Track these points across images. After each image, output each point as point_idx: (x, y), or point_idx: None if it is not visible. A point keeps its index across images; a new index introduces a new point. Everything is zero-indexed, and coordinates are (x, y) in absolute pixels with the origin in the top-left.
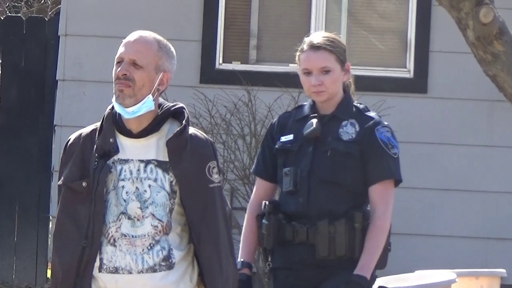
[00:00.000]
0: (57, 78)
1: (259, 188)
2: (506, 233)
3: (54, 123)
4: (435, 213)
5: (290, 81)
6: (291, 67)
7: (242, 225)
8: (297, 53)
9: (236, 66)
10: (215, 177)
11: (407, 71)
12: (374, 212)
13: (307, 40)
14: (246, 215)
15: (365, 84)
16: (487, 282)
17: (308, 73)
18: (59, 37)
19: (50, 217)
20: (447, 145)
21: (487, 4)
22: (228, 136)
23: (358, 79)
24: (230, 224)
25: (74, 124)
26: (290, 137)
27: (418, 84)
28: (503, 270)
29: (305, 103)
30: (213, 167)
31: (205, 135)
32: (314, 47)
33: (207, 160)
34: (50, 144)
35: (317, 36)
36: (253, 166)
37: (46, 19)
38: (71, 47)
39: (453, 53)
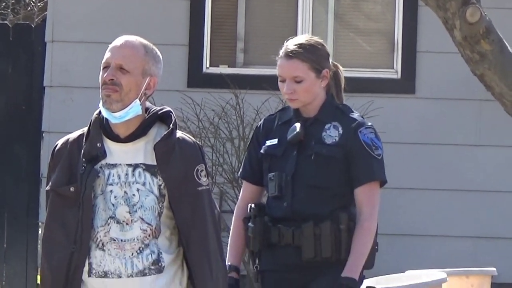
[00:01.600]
0: (44, 85)
1: (246, 192)
2: (496, 232)
3: (42, 130)
4: (425, 213)
5: (277, 84)
6: None
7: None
8: (277, 57)
9: (224, 69)
10: (204, 180)
11: (395, 72)
12: (361, 214)
13: (285, 45)
14: (233, 218)
15: (353, 85)
16: (477, 281)
17: (282, 80)
18: (45, 43)
19: (40, 223)
20: (435, 145)
21: (473, 3)
22: (216, 140)
23: (346, 80)
24: (219, 227)
25: (62, 130)
26: (274, 141)
27: (405, 84)
28: (494, 269)
29: (289, 105)
30: (201, 170)
31: (192, 138)
32: (287, 56)
33: (195, 163)
34: (38, 151)
35: (294, 42)
36: (240, 170)
37: (33, 26)
38: (58, 54)
39: (440, 53)
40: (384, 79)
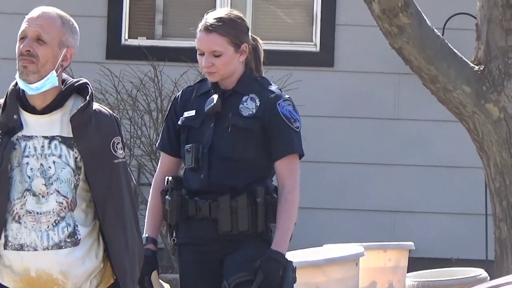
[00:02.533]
0: None
1: (164, 163)
2: (414, 206)
3: None
4: (342, 187)
5: (196, 56)
6: None
7: None
8: (197, 30)
9: (142, 41)
10: (120, 152)
11: (314, 45)
12: (284, 187)
13: (204, 18)
14: (151, 191)
15: (272, 58)
16: (395, 255)
17: (201, 53)
18: None
19: None
20: (354, 119)
21: None
22: (134, 112)
23: (265, 53)
24: (135, 200)
25: None
26: (192, 113)
27: (324, 57)
28: (411, 243)
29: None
30: (118, 143)
31: (109, 110)
32: (206, 29)
33: (111, 135)
34: None
35: (214, 16)
36: (158, 141)
37: None
38: None
39: (359, 26)
40: (303, 52)
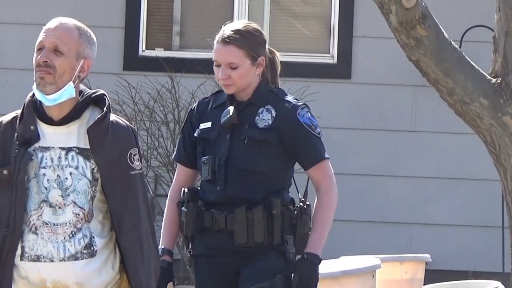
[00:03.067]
0: None
1: (180, 175)
2: (430, 218)
3: None
4: (359, 198)
5: (213, 67)
6: None
7: None
8: (214, 42)
9: (159, 52)
10: (137, 164)
11: (331, 57)
12: (319, 190)
13: (222, 30)
14: (167, 202)
15: (289, 69)
16: (411, 267)
17: (217, 65)
18: None
19: None
20: (371, 131)
21: None
22: (151, 123)
23: (282, 65)
24: (151, 211)
25: None
26: (208, 124)
27: (341, 69)
28: (427, 255)
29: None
30: (135, 154)
31: (126, 122)
32: (224, 41)
33: (128, 147)
34: None
35: (231, 28)
36: (174, 153)
37: None
38: None
39: (377, 38)
40: (320, 63)
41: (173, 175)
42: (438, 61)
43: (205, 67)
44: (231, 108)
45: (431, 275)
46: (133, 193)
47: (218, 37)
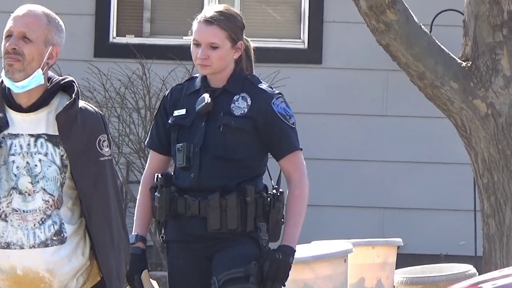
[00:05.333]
0: None
1: (153, 161)
2: (402, 202)
3: None
4: (331, 183)
5: (184, 53)
6: (185, 40)
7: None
8: (193, 22)
9: (130, 39)
10: (106, 150)
11: (302, 42)
12: (290, 182)
13: (205, 10)
14: (139, 188)
15: (259, 55)
16: (383, 252)
17: (197, 44)
18: None
19: None
20: (342, 115)
21: None
22: (122, 110)
23: (253, 50)
24: (121, 197)
25: None
26: (182, 111)
27: (312, 54)
28: (399, 239)
29: (196, 75)
30: (104, 141)
31: (95, 108)
32: (207, 21)
33: (97, 133)
34: None
35: (214, 9)
36: (147, 139)
37: None
38: None
39: (347, 23)
40: (291, 49)
41: (145, 162)
42: (408, 45)
43: (176, 53)
44: (206, 96)
45: (403, 259)
46: (102, 180)
47: (200, 17)
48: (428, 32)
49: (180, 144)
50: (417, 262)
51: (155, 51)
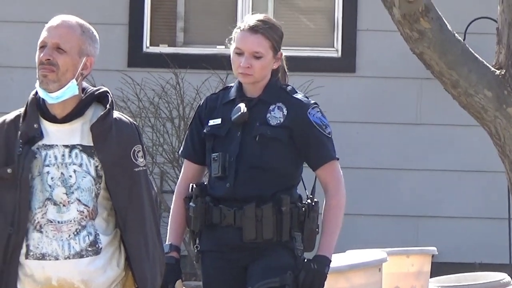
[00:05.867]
0: None
1: (187, 170)
2: (437, 211)
3: None
4: (365, 192)
5: (217, 63)
6: (219, 49)
7: None
8: (234, 30)
9: (164, 49)
10: (140, 160)
11: (335, 51)
12: (326, 192)
13: (247, 19)
14: (174, 198)
15: (293, 64)
16: (418, 260)
17: (239, 53)
18: None
19: None
20: (376, 124)
21: None
22: (156, 120)
23: (286, 59)
24: (156, 208)
25: (2, 110)
26: (218, 121)
27: (346, 63)
28: (434, 248)
29: (231, 85)
30: (138, 151)
31: (129, 118)
32: (252, 29)
33: (132, 144)
34: None
35: (257, 18)
36: (181, 148)
37: None
38: None
39: (381, 31)
40: (325, 57)
41: (179, 171)
42: (442, 54)
43: (209, 62)
44: (242, 105)
45: (438, 268)
46: (137, 190)
47: (243, 25)
48: (462, 40)
49: (216, 154)
50: (452, 271)
51: (188, 61)
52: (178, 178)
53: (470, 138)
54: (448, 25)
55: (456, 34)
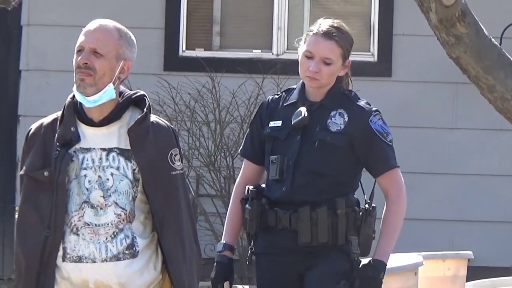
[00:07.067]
0: (20, 68)
1: (246, 170)
2: (472, 215)
3: (19, 114)
4: None
5: (253, 67)
6: (255, 53)
7: (208, 212)
8: (306, 33)
9: (200, 53)
10: (177, 164)
11: (371, 55)
12: (387, 198)
13: (319, 23)
14: (231, 197)
15: None
16: (454, 264)
17: (310, 57)
18: (21, 27)
19: (16, 207)
20: (412, 128)
21: None
22: (192, 123)
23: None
24: (193, 211)
25: (38, 114)
26: (278, 123)
27: (382, 67)
28: (470, 252)
29: (294, 86)
30: (175, 154)
31: (166, 122)
32: (326, 35)
33: (169, 147)
34: (14, 135)
35: (330, 24)
36: (241, 147)
37: (9, 9)
38: (34, 37)
39: (417, 36)
40: (361, 62)
41: (214, 175)
42: (478, 58)
43: (245, 67)
44: (303, 109)
45: (474, 272)
46: (174, 193)
47: (315, 29)
48: (498, 45)
49: (274, 156)
50: (488, 275)
51: (224, 65)
52: (214, 182)
53: (506, 143)
54: (484, 30)
55: (492, 39)
